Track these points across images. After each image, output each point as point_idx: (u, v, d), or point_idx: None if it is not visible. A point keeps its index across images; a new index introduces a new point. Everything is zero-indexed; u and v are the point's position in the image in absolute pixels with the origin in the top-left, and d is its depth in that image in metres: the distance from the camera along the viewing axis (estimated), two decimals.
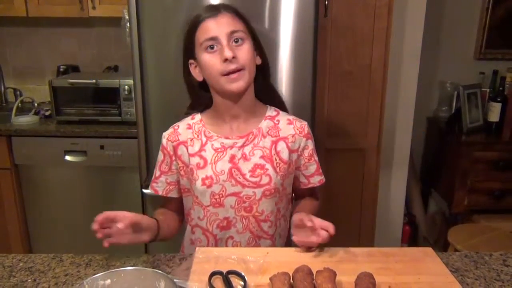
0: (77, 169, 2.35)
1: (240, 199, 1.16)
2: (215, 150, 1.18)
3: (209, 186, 1.16)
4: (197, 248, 1.07)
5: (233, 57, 1.08)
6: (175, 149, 1.21)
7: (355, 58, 2.16)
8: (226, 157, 1.17)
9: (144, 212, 2.12)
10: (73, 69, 2.72)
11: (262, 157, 1.17)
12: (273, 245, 1.22)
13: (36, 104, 2.65)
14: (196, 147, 1.19)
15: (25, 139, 2.31)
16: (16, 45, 2.78)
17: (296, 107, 1.88)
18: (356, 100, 2.21)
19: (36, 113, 2.49)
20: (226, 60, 1.08)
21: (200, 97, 1.22)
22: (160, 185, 1.25)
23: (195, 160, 1.18)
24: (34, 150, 2.33)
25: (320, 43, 1.99)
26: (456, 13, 2.78)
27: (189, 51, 1.17)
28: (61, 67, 2.70)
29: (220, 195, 1.16)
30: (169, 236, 1.23)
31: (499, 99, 2.57)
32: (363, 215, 2.38)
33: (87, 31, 2.74)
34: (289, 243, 1.30)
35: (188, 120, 1.25)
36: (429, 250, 1.07)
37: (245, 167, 1.16)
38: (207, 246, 1.20)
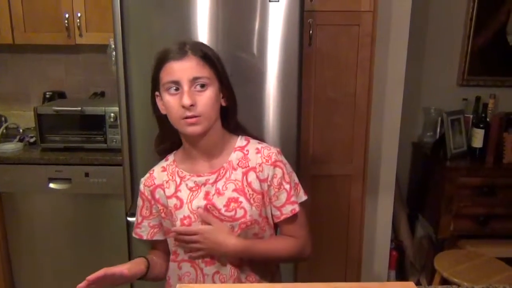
0: (61, 197, 2.33)
1: None
2: (190, 189, 1.18)
3: (189, 225, 1.16)
4: (178, 285, 1.06)
5: (191, 105, 1.08)
6: (152, 193, 1.22)
7: (340, 86, 2.19)
8: (200, 194, 1.17)
9: (129, 241, 2.10)
10: (59, 95, 2.72)
11: (235, 190, 1.17)
12: (252, 273, 1.21)
13: (21, 130, 2.63)
14: (172, 189, 1.20)
15: (9, 167, 2.29)
16: (2, 71, 2.77)
17: (282, 133, 1.91)
18: (341, 127, 2.24)
19: (21, 140, 2.47)
20: (184, 106, 1.08)
21: (168, 129, 1.20)
22: (143, 230, 1.26)
23: (172, 202, 1.19)
24: (18, 177, 2.31)
25: (305, 72, 2.02)
26: (439, 40, 2.84)
27: (155, 83, 1.16)
28: (47, 93, 2.69)
29: None
30: (161, 276, 1.25)
31: (482, 126, 2.61)
32: (350, 241, 2.38)
33: (74, 58, 2.74)
34: (278, 275, 1.29)
35: (162, 163, 1.26)
36: (411, 284, 1.07)
37: (220, 202, 1.16)
38: (196, 278, 1.19)
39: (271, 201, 1.20)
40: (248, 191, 1.17)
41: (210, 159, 1.20)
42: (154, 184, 1.22)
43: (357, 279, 2.40)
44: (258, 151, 1.20)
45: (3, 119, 2.74)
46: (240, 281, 1.19)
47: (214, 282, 1.19)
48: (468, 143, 2.67)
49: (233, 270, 1.19)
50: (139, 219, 1.26)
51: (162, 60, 1.12)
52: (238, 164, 1.19)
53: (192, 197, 1.17)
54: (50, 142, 2.37)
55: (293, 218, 1.22)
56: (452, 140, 2.60)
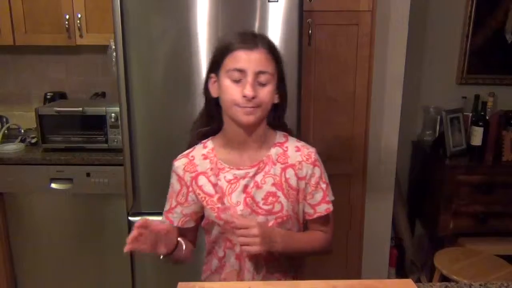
0: (63, 197, 2.34)
1: None
2: (228, 182, 1.19)
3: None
4: (179, 284, 1.08)
5: (253, 97, 1.09)
6: (194, 179, 1.21)
7: (339, 85, 2.20)
8: (239, 187, 1.18)
9: None
10: (60, 96, 2.73)
11: (273, 184, 1.19)
12: (279, 267, 1.23)
13: (22, 131, 2.64)
14: (213, 178, 1.20)
15: (11, 167, 2.31)
16: (3, 72, 2.79)
17: None
18: (341, 126, 2.25)
19: (22, 141, 2.49)
20: (245, 96, 1.09)
21: (213, 114, 1.21)
22: (176, 216, 1.24)
23: (216, 190, 1.19)
24: (20, 178, 2.32)
25: (305, 71, 2.03)
26: (438, 39, 2.85)
27: (213, 67, 1.16)
28: (48, 94, 2.70)
29: None
30: (182, 259, 1.22)
31: (481, 124, 2.62)
32: (350, 240, 2.39)
33: (74, 58, 2.75)
34: (300, 271, 1.31)
35: (201, 149, 1.24)
36: (410, 282, 1.08)
37: (258, 195, 1.18)
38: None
39: (306, 198, 1.23)
40: (286, 186, 1.19)
41: (250, 152, 1.21)
42: (197, 171, 1.21)
43: (358, 277, 2.42)
44: (298, 149, 1.23)
45: (4, 120, 2.75)
46: (267, 273, 1.21)
47: (241, 270, 1.21)
48: (467, 141, 2.68)
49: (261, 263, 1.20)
50: (173, 204, 1.24)
51: (230, 46, 1.12)
52: (277, 160, 1.21)
53: (230, 189, 1.18)
54: (51, 142, 2.38)
55: (325, 216, 1.25)
56: (451, 139, 2.61)
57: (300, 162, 1.21)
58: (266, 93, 1.12)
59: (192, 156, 1.23)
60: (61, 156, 2.31)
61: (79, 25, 2.38)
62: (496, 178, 2.51)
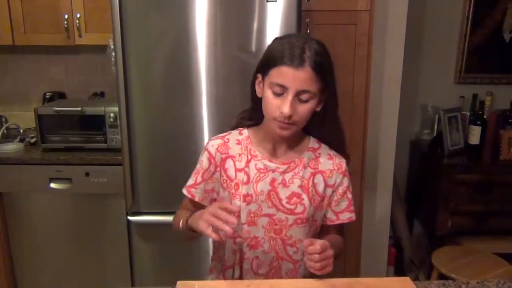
0: (62, 197, 2.34)
1: (272, 221, 1.20)
2: (258, 170, 1.20)
3: (248, 204, 1.19)
4: (178, 282, 1.08)
5: (290, 116, 1.10)
6: (223, 161, 1.23)
7: (337, 85, 2.20)
8: (267, 179, 1.20)
9: (130, 240, 2.12)
10: (59, 95, 2.73)
11: (300, 186, 1.20)
12: (295, 270, 1.25)
13: (21, 131, 2.64)
14: (243, 163, 1.21)
15: (10, 167, 2.31)
16: (2, 72, 2.79)
17: None
18: None
19: (21, 140, 2.49)
20: (282, 113, 1.10)
21: (259, 111, 1.21)
22: (199, 191, 1.26)
23: (241, 176, 1.20)
24: (19, 178, 2.32)
25: None
26: (435, 39, 2.86)
27: (262, 69, 1.16)
28: (47, 94, 2.71)
29: (256, 214, 1.20)
30: (196, 235, 1.21)
31: (478, 123, 2.63)
32: (349, 238, 2.40)
33: (73, 58, 2.75)
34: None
35: (236, 135, 1.26)
36: (407, 280, 1.09)
37: (283, 193, 1.20)
38: (235, 259, 1.24)
39: (331, 205, 1.26)
40: (312, 191, 1.21)
41: (284, 150, 1.22)
42: (228, 153, 1.23)
43: (356, 275, 2.43)
44: (330, 158, 1.25)
45: (3, 119, 2.75)
46: (279, 269, 1.23)
47: (251, 265, 1.23)
48: (465, 140, 2.70)
49: (274, 259, 1.22)
50: (199, 179, 1.25)
51: (278, 59, 1.10)
52: (308, 164, 1.23)
53: (258, 178, 1.20)
54: (50, 142, 2.38)
55: (344, 225, 1.30)
56: (449, 138, 2.62)
57: (331, 171, 1.23)
58: (305, 111, 1.12)
59: (227, 139, 1.25)
60: (60, 156, 2.31)
61: (78, 25, 2.38)
62: (494, 177, 2.53)
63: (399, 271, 2.84)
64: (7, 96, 2.82)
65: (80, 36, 2.40)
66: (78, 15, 2.37)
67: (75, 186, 2.31)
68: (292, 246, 1.22)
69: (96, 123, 2.35)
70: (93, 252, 2.39)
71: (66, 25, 2.38)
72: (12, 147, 2.38)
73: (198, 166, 1.27)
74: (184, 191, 1.27)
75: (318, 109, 1.17)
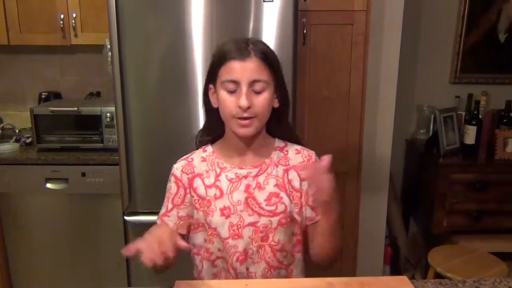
0: (58, 197, 2.34)
1: (257, 229, 1.17)
2: (230, 180, 1.19)
3: (228, 217, 1.17)
4: (176, 282, 1.08)
5: (248, 107, 1.10)
6: (190, 181, 1.21)
7: (334, 85, 2.21)
8: (241, 187, 1.19)
9: (126, 240, 2.12)
10: (55, 95, 2.72)
11: (276, 185, 1.20)
12: (289, 276, 1.22)
13: (17, 131, 2.64)
14: (212, 179, 1.20)
15: (5, 167, 2.30)
16: None
17: None
18: (335, 125, 2.26)
19: (17, 141, 2.48)
20: (240, 107, 1.10)
21: (216, 122, 1.22)
22: (172, 219, 1.22)
23: (212, 192, 1.19)
24: (15, 178, 2.31)
25: (299, 71, 2.04)
26: (431, 39, 2.87)
27: (211, 77, 1.17)
28: (43, 93, 2.70)
29: (238, 226, 1.17)
30: (168, 266, 1.14)
31: (474, 122, 2.64)
32: (345, 238, 2.40)
33: (69, 58, 2.75)
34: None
35: (200, 153, 1.25)
36: (404, 278, 1.10)
37: (261, 196, 1.18)
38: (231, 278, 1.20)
39: (308, 201, 1.22)
40: (289, 188, 1.21)
41: (251, 156, 1.21)
42: (194, 172, 1.21)
43: (353, 275, 2.43)
44: (298, 152, 1.25)
45: None
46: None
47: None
48: (461, 140, 2.71)
49: (266, 269, 1.19)
50: (169, 206, 1.23)
51: (223, 57, 1.12)
52: (279, 162, 1.22)
53: (232, 188, 1.19)
54: (46, 142, 2.37)
55: None
56: (445, 137, 2.63)
57: (301, 163, 1.22)
58: (262, 101, 1.12)
59: (191, 159, 1.24)
60: (56, 156, 2.31)
61: (74, 24, 2.38)
62: (489, 176, 2.54)
63: (395, 271, 2.85)
64: (2, 96, 2.81)
65: (76, 35, 2.40)
66: (74, 15, 2.37)
67: (72, 186, 2.31)
68: (282, 251, 1.20)
69: (92, 123, 2.34)
70: (89, 252, 2.38)
71: (62, 25, 2.37)
72: (7, 147, 2.38)
73: (167, 193, 1.25)
74: (158, 221, 1.24)
75: (276, 105, 1.18)
